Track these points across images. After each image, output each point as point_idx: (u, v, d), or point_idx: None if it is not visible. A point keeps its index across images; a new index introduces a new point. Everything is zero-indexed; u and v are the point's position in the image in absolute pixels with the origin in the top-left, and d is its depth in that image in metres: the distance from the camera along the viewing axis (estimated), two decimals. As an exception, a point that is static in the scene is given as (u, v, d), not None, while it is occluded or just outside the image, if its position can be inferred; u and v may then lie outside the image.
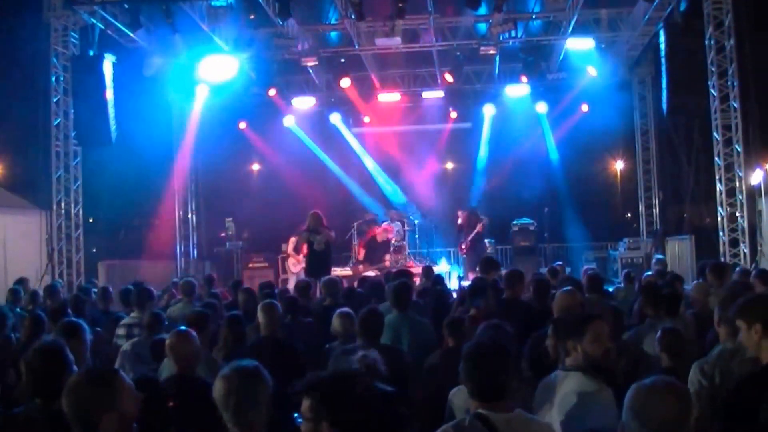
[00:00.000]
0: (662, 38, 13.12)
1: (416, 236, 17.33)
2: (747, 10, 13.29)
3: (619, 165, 24.40)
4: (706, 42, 13.32)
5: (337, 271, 14.35)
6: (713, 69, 13.33)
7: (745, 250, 13.20)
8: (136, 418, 2.94)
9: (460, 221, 16.20)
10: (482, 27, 15.53)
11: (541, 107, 18.48)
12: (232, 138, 19.22)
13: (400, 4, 12.63)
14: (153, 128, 16.53)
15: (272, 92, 16.79)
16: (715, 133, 13.50)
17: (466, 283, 10.66)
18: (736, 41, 13.08)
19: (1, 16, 15.62)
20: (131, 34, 13.60)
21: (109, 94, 13.18)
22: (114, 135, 13.26)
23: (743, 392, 3.31)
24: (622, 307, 7.17)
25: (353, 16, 13.45)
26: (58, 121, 14.23)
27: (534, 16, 15.07)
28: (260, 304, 6.00)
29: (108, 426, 2.80)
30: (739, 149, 13.17)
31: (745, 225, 13.22)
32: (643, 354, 5.23)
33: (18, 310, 8.25)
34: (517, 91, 17.44)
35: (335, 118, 19.55)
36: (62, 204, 14.31)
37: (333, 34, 16.44)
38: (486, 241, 16.52)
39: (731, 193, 13.39)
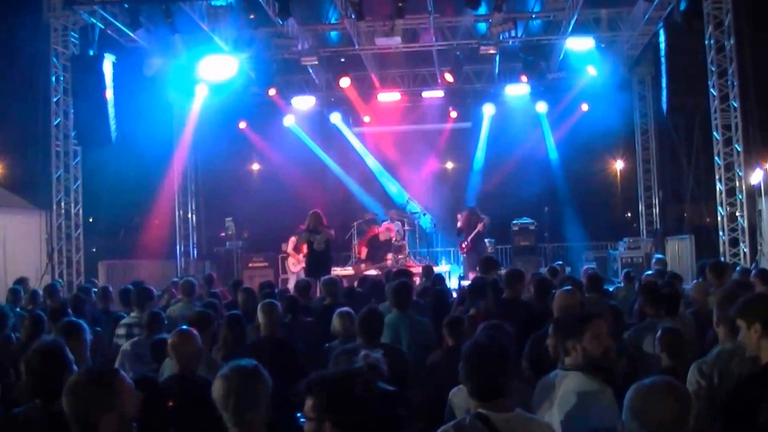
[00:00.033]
0: (662, 38, 13.11)
1: (416, 236, 17.34)
2: (747, 9, 13.29)
3: (619, 164, 24.42)
4: (706, 41, 13.31)
5: (338, 271, 14.37)
6: (713, 68, 13.33)
7: (745, 250, 13.20)
8: (136, 418, 2.94)
9: (459, 224, 16.20)
10: (482, 26, 15.54)
11: (541, 107, 18.51)
12: (232, 138, 19.24)
13: (400, 4, 12.63)
14: (153, 128, 16.53)
15: (272, 92, 16.79)
16: (715, 133, 13.50)
17: (466, 283, 10.66)
18: (736, 41, 13.08)
19: (1, 16, 15.60)
20: (131, 34, 13.61)
21: (109, 94, 13.18)
22: (114, 135, 13.26)
23: (743, 392, 3.31)
24: (623, 307, 7.18)
25: (353, 16, 13.45)
26: (58, 120, 14.23)
27: (534, 16, 15.07)
28: (260, 304, 6.00)
29: (108, 426, 2.80)
30: (739, 149, 13.17)
31: (745, 224, 13.22)
32: (642, 353, 5.23)
33: (18, 309, 8.24)
34: (517, 90, 17.45)
35: (335, 118, 19.56)
36: (62, 204, 14.31)
37: (333, 33, 16.44)
38: (486, 240, 16.52)
39: (731, 192, 13.39)
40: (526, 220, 17.45)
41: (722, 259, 12.98)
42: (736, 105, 13.18)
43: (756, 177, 13.34)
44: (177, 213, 19.11)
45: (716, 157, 13.52)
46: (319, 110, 19.36)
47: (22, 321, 6.54)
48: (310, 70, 17.11)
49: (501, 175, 19.09)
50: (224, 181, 20.01)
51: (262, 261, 17.56)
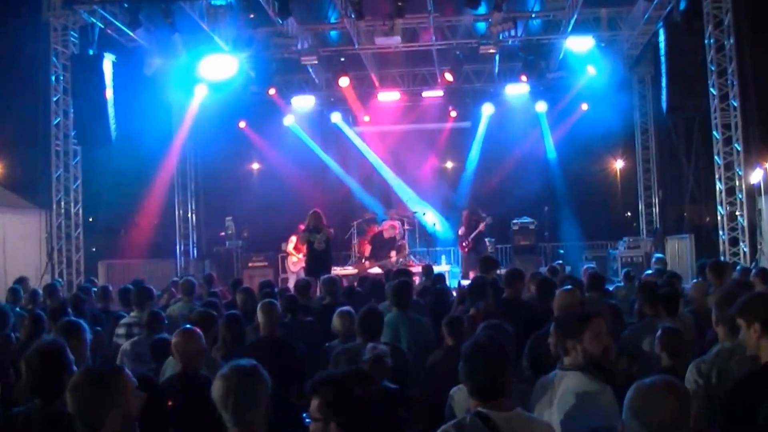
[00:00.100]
0: (662, 37, 13.10)
1: (416, 236, 17.35)
2: (746, 9, 13.30)
3: (618, 164, 24.42)
4: (706, 41, 13.31)
5: (339, 270, 14.38)
6: (713, 68, 13.33)
7: (744, 249, 13.20)
8: (137, 417, 2.95)
9: (460, 232, 16.21)
10: (482, 26, 15.54)
11: (541, 106, 18.51)
12: (232, 137, 19.23)
13: (400, 3, 12.63)
14: (153, 127, 16.54)
15: (272, 91, 16.80)
16: (714, 132, 13.50)
17: (465, 282, 10.66)
18: (735, 40, 13.08)
19: (1, 16, 15.60)
20: (131, 34, 13.60)
21: (109, 94, 13.18)
22: (114, 134, 13.26)
23: (742, 391, 3.30)
24: (623, 306, 7.18)
25: (353, 15, 13.45)
26: (58, 120, 14.23)
27: (534, 15, 15.07)
28: (259, 304, 6.00)
29: (112, 424, 2.81)
30: (738, 148, 13.17)
31: (745, 224, 13.22)
32: (641, 352, 5.23)
33: (18, 309, 8.23)
34: (517, 90, 17.45)
35: (335, 117, 19.56)
36: (62, 203, 14.31)
37: (333, 33, 16.43)
38: (486, 240, 16.52)
39: (731, 191, 13.39)
40: (526, 219, 17.45)
41: (722, 258, 12.99)
42: (735, 104, 13.18)
43: (756, 176, 13.34)
44: (177, 212, 19.12)
45: (716, 157, 13.52)
46: (319, 110, 19.36)
47: (22, 321, 6.53)
48: (310, 70, 17.11)
49: (501, 175, 19.10)
50: (224, 181, 19.99)
51: (262, 260, 17.57)
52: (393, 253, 15.86)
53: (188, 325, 4.86)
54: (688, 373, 3.94)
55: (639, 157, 19.05)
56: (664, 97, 13.24)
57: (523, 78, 16.09)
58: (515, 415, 3.07)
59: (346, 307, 6.02)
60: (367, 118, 19.49)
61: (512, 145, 19.02)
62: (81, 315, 6.84)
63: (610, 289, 9.24)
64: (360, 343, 5.28)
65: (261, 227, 19.06)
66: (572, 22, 14.07)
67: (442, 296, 8.15)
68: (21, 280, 10.35)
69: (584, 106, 18.21)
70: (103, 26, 13.75)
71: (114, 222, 19.53)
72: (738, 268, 9.53)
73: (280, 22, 13.56)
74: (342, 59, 16.08)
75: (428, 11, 13.66)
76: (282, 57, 15.70)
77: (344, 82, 16.45)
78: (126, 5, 13.04)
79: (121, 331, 7.07)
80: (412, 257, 16.48)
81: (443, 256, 17.79)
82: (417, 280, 11.14)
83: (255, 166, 22.78)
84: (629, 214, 22.12)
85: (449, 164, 22.66)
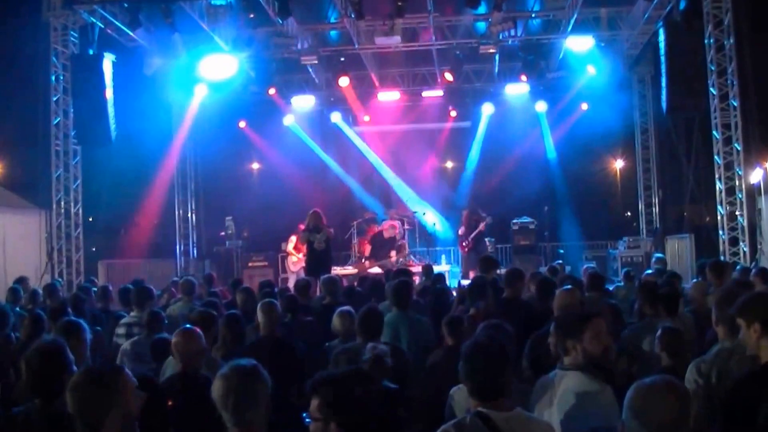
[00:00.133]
0: (662, 37, 13.10)
1: (416, 235, 17.35)
2: (746, 9, 13.29)
3: (618, 164, 24.42)
4: (706, 41, 13.30)
5: (339, 270, 14.37)
6: (713, 68, 13.32)
7: (744, 249, 13.20)
8: (137, 417, 2.95)
9: (460, 232, 16.21)
10: (482, 26, 15.53)
11: (541, 106, 18.50)
12: (232, 137, 19.23)
13: (400, 3, 12.63)
14: (153, 127, 16.53)
15: (272, 91, 16.79)
16: (714, 132, 13.50)
17: (465, 282, 10.66)
18: (735, 40, 13.08)
19: (1, 16, 15.60)
20: (131, 33, 13.60)
21: (109, 93, 13.18)
22: (114, 134, 13.26)
23: (742, 391, 3.30)
24: (623, 306, 7.18)
25: (353, 15, 13.45)
26: (58, 120, 14.22)
27: (533, 15, 15.06)
28: (259, 304, 6.00)
29: (112, 423, 2.82)
30: (738, 148, 13.17)
31: (745, 223, 13.22)
32: (641, 352, 5.23)
33: (18, 309, 8.23)
34: (517, 90, 17.44)
35: (335, 117, 19.55)
36: (62, 203, 14.31)
37: (332, 32, 16.43)
38: (486, 240, 16.53)
39: (731, 191, 13.39)
40: (526, 219, 17.45)
41: (722, 258, 12.98)
42: (735, 104, 13.18)
43: (756, 176, 13.34)
44: (177, 212, 19.13)
45: (716, 156, 13.52)
46: (319, 109, 19.36)
47: (22, 320, 6.53)
48: (310, 70, 17.11)
49: (501, 175, 19.10)
50: (224, 181, 20.00)
51: (262, 260, 17.57)
52: (393, 253, 15.86)
53: (188, 325, 4.86)
54: (688, 372, 3.94)
55: (639, 157, 19.05)
56: (664, 97, 13.24)
57: (523, 78, 16.08)
58: (515, 415, 3.07)
59: (346, 307, 6.02)
60: (367, 118, 19.49)
61: (512, 144, 19.02)
62: (81, 315, 6.84)
63: (610, 288, 9.24)
64: (360, 343, 5.28)
65: (261, 227, 19.06)
66: (572, 21, 14.07)
67: (442, 296, 8.15)
68: (21, 280, 10.35)
69: (584, 106, 18.21)
70: (103, 26, 13.75)
71: (114, 222, 19.54)
72: (738, 267, 9.53)
73: (280, 22, 13.56)
74: (342, 59, 16.08)
75: (428, 11, 13.66)
76: (282, 57, 15.70)
77: (344, 81, 16.45)
78: (126, 5, 13.04)
79: (121, 331, 7.07)
80: (412, 257, 16.49)
81: (443, 256, 17.79)
82: (417, 280, 11.14)
83: (255, 165, 22.78)
84: (629, 213, 22.12)
85: (449, 164, 22.67)
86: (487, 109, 18.85)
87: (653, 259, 12.49)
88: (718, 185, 13.51)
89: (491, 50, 14.94)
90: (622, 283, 10.16)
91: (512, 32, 14.33)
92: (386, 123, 19.63)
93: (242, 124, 19.36)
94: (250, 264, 17.54)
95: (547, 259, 16.53)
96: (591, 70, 15.94)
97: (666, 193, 18.56)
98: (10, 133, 17.17)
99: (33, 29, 14.45)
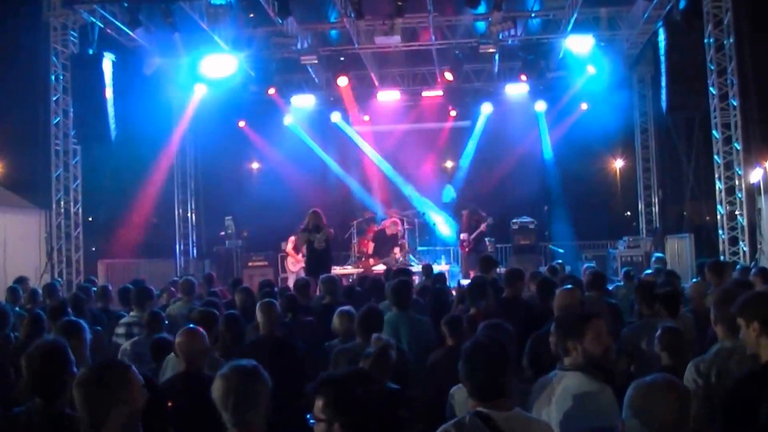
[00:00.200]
0: (662, 36, 13.10)
1: (416, 235, 17.35)
2: (746, 8, 13.28)
3: (618, 163, 24.43)
4: (706, 40, 13.30)
5: (339, 269, 14.37)
6: (713, 67, 13.32)
7: (744, 249, 13.20)
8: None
9: (462, 236, 16.22)
10: (481, 25, 15.52)
11: (541, 106, 18.50)
12: (232, 136, 19.22)
13: (400, 3, 12.62)
14: (152, 127, 16.52)
15: (272, 91, 16.79)
16: (714, 132, 13.50)
17: (465, 282, 10.66)
18: (735, 39, 13.07)
19: (1, 16, 15.59)
20: (131, 33, 13.61)
21: (109, 93, 13.19)
22: (113, 133, 13.27)
23: (743, 391, 3.30)
24: (623, 306, 7.18)
25: (353, 15, 13.44)
26: (58, 119, 14.22)
27: (533, 15, 15.06)
28: (258, 303, 6.00)
29: (117, 419, 2.82)
30: (738, 147, 13.17)
31: (745, 223, 13.22)
32: (641, 351, 5.23)
33: (17, 309, 8.23)
34: (517, 89, 17.44)
35: (335, 117, 19.55)
36: (62, 203, 14.31)
37: (332, 32, 16.41)
38: (486, 240, 16.53)
39: (731, 191, 13.39)
40: (526, 218, 17.44)
41: (722, 257, 12.99)
42: (735, 104, 13.18)
43: (755, 175, 13.33)
44: (177, 212, 19.13)
45: (716, 156, 13.52)
46: (319, 109, 19.35)
47: (21, 320, 6.53)
48: (310, 69, 17.09)
49: (500, 174, 19.09)
50: (224, 180, 20.00)
51: (262, 260, 17.57)
52: (396, 250, 15.88)
53: (192, 325, 4.86)
54: (687, 372, 3.94)
55: (639, 157, 19.06)
56: (663, 97, 13.24)
57: (523, 77, 16.08)
58: (514, 414, 3.07)
59: (346, 307, 6.02)
60: (366, 118, 19.50)
61: (512, 144, 19.02)
62: (81, 315, 6.83)
63: (610, 288, 9.23)
64: (360, 342, 5.29)
65: (261, 227, 19.05)
66: (572, 21, 14.07)
67: (441, 296, 8.15)
68: (20, 280, 10.33)
69: (584, 106, 18.21)
70: (102, 26, 13.76)
71: (114, 221, 19.50)
72: (738, 267, 9.53)
73: (280, 21, 13.55)
74: (342, 59, 16.08)
75: (428, 11, 13.66)
76: (282, 56, 15.70)
77: (343, 81, 16.43)
78: (126, 5, 13.03)
79: (120, 330, 7.07)
80: (411, 256, 16.50)
81: (443, 256, 17.79)
82: (417, 279, 11.14)
83: (255, 165, 22.77)
84: (629, 213, 22.11)
85: (449, 164, 22.66)
86: (487, 109, 18.85)
87: (653, 259, 12.49)
88: (718, 185, 13.51)
89: (491, 50, 14.93)
90: (622, 283, 10.15)
91: (512, 32, 14.33)
92: (386, 123, 19.63)
93: (242, 123, 19.35)
94: (249, 264, 17.54)
95: (547, 259, 16.53)
96: (591, 69, 15.91)
97: (666, 193, 18.56)
98: (10, 133, 17.15)
99: (33, 29, 14.44)
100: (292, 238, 15.82)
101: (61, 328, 4.64)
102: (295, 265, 15.92)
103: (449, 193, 18.04)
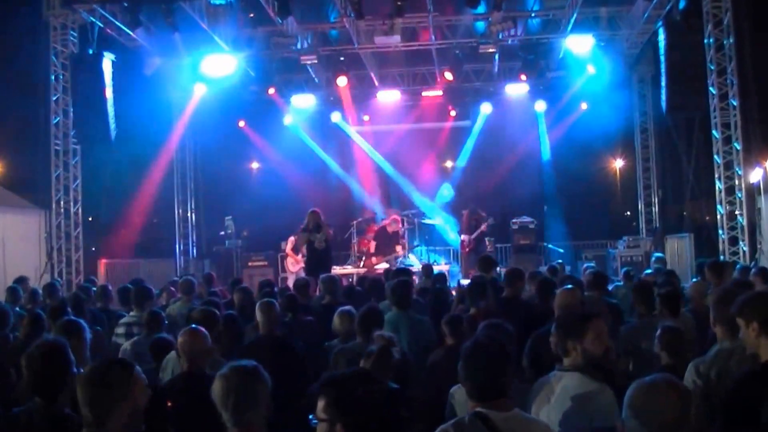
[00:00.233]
0: (662, 36, 13.11)
1: (416, 235, 17.35)
2: (746, 8, 13.27)
3: (618, 163, 24.45)
4: (706, 40, 13.31)
5: (339, 269, 14.35)
6: (712, 67, 13.33)
7: (744, 248, 13.20)
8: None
9: (462, 237, 16.22)
10: (481, 25, 15.52)
11: (541, 105, 18.50)
12: (232, 136, 19.21)
13: (400, 3, 12.62)
14: (152, 127, 16.52)
15: (272, 90, 16.79)
16: (714, 131, 13.51)
17: (465, 282, 10.66)
18: (735, 39, 13.07)
19: (1, 16, 15.59)
20: (131, 33, 13.59)
21: (109, 93, 13.19)
22: (113, 133, 13.27)
23: (743, 390, 3.30)
24: (623, 306, 7.18)
25: (352, 15, 13.44)
26: (58, 119, 14.22)
27: (533, 15, 15.06)
28: (258, 303, 6.00)
29: (120, 416, 2.83)
30: (738, 147, 13.17)
31: (745, 223, 13.22)
32: (640, 351, 5.23)
33: (17, 309, 8.23)
34: (517, 89, 17.44)
35: (335, 117, 19.54)
36: (61, 203, 14.31)
37: (332, 32, 16.41)
38: (486, 240, 16.52)
39: (730, 191, 13.39)
40: (526, 218, 17.43)
41: (722, 257, 12.99)
42: (735, 103, 13.19)
43: (755, 175, 13.34)
44: (176, 211, 19.13)
45: (716, 156, 13.53)
46: (319, 109, 19.34)
47: (22, 320, 6.53)
48: (310, 69, 17.08)
49: (500, 174, 19.07)
50: (224, 180, 19.98)
51: (262, 260, 17.55)
52: (399, 248, 15.89)
53: (193, 325, 4.86)
54: (687, 373, 3.94)
55: (639, 157, 19.06)
56: (663, 97, 13.25)
57: (523, 77, 16.08)
58: (514, 415, 3.07)
59: (346, 307, 6.02)
60: (366, 118, 19.50)
61: (512, 144, 19.01)
62: (81, 314, 6.83)
63: (610, 288, 9.23)
64: (360, 342, 5.29)
65: (261, 227, 19.05)
66: (572, 21, 14.07)
67: (441, 296, 8.16)
68: (20, 280, 10.33)
69: (584, 106, 18.20)
70: (102, 26, 13.75)
71: (114, 221, 19.52)
72: (737, 267, 9.53)
73: (280, 21, 13.55)
74: (342, 58, 16.08)
75: (428, 11, 13.66)
76: (282, 56, 15.71)
77: (342, 81, 16.41)
78: (126, 5, 13.01)
79: (120, 330, 7.06)
80: (411, 254, 16.51)
81: (442, 257, 17.78)
82: (417, 279, 11.14)
83: (255, 165, 22.75)
84: (629, 213, 22.12)
85: (449, 163, 22.65)
86: (486, 109, 18.85)
87: (653, 259, 12.49)
88: (718, 185, 13.52)
89: (491, 50, 14.93)
90: (622, 283, 10.16)
91: (512, 32, 14.33)
92: (386, 122, 19.62)
93: (242, 123, 19.34)
94: (249, 263, 17.53)
95: (546, 259, 16.52)
96: (591, 69, 15.92)
97: (666, 193, 18.57)
98: (10, 133, 17.17)
99: (33, 29, 14.44)
100: (292, 239, 15.82)
101: (61, 328, 4.64)
102: (294, 265, 15.92)
103: (447, 191, 17.99)
